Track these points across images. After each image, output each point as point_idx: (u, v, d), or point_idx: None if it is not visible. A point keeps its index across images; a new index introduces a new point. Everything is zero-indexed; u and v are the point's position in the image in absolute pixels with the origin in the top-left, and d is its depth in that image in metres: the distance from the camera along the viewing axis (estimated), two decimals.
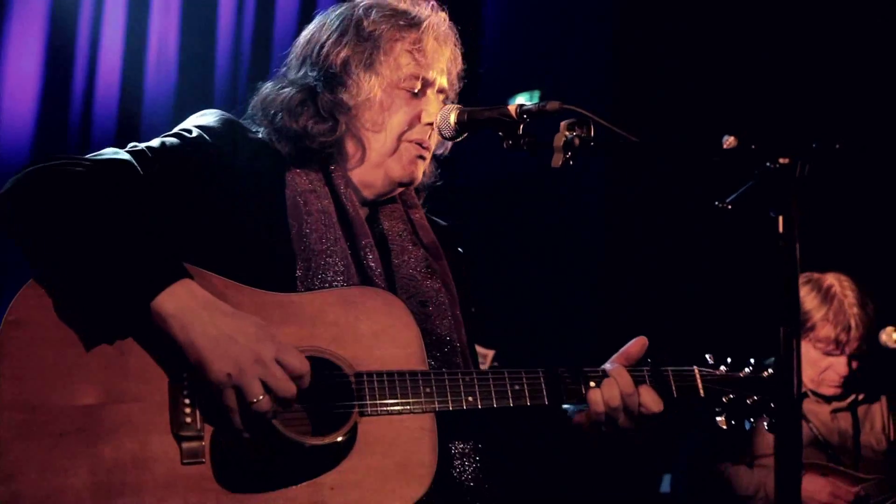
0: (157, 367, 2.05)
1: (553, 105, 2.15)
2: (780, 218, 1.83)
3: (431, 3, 2.51)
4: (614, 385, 2.32)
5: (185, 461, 2.02)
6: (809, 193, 1.85)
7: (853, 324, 4.15)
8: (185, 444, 2.03)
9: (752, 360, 2.52)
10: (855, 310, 4.17)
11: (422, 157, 2.45)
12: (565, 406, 2.43)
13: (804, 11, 5.40)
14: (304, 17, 5.06)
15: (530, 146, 2.21)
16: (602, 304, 5.63)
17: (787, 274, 1.82)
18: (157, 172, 2.21)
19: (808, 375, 4.26)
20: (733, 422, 2.46)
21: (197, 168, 2.26)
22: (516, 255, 5.61)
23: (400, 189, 2.50)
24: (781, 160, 1.85)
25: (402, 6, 2.47)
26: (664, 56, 5.58)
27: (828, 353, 4.21)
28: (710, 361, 2.51)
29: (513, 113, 2.22)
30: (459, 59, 2.52)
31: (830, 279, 4.25)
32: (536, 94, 5.16)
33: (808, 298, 4.21)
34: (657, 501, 4.94)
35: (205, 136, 2.30)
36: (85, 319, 2.03)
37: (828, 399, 4.31)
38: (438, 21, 2.47)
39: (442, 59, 2.45)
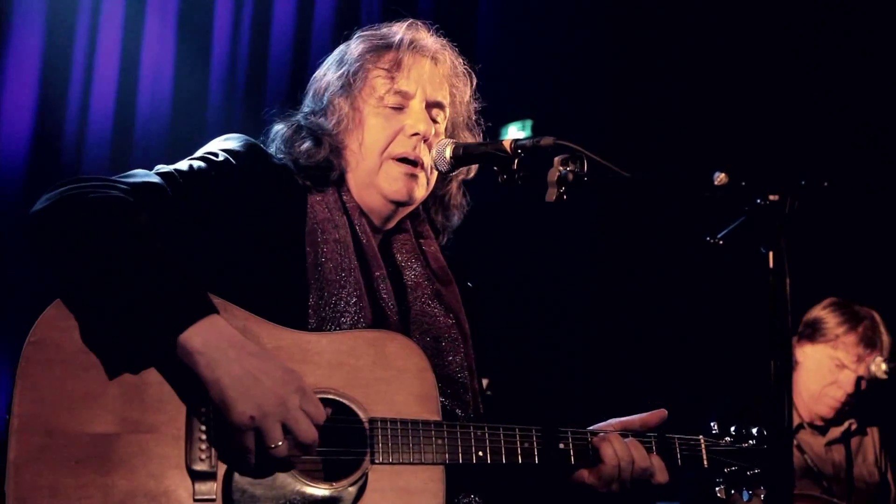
0: (175, 398, 2.05)
1: (547, 140, 2.18)
2: (771, 253, 1.86)
3: (409, 21, 2.52)
4: (623, 444, 2.36)
5: (196, 498, 2.01)
6: (799, 229, 1.89)
7: (884, 339, 4.22)
8: (199, 481, 2.02)
9: (755, 432, 2.54)
10: (882, 328, 4.24)
11: (412, 175, 2.43)
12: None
13: (795, 50, 5.47)
14: (299, 42, 5.10)
15: (525, 181, 2.24)
16: (593, 337, 5.63)
17: (777, 308, 1.85)
18: (186, 195, 2.22)
19: (811, 390, 4.27)
20: (732, 491, 2.49)
21: (223, 191, 2.27)
22: (508, 284, 5.61)
23: (402, 210, 2.48)
24: (771, 197, 1.88)
25: (383, 29, 2.52)
26: (656, 91, 5.63)
27: (840, 366, 4.22)
28: (715, 430, 2.54)
29: (507, 148, 2.24)
30: (452, 67, 2.52)
31: (861, 308, 4.31)
32: (529, 123, 5.19)
33: (833, 315, 4.27)
34: None
35: (231, 160, 2.32)
36: (108, 345, 2.02)
37: (822, 431, 4.33)
38: (414, 36, 2.48)
39: (422, 71, 2.45)
